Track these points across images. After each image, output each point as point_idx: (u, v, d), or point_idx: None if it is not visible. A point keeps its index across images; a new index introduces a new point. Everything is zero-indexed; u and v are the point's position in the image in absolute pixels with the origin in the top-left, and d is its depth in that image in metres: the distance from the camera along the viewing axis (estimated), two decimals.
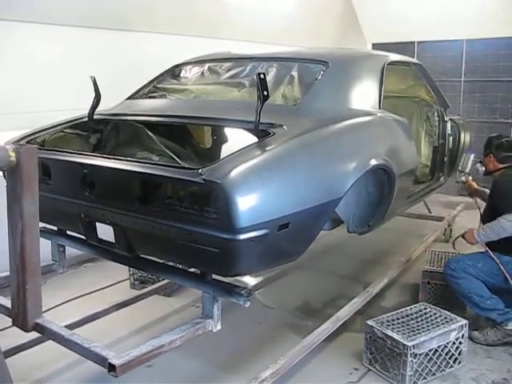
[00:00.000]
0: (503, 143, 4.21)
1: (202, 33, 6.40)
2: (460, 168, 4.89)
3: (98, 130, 3.80)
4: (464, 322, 3.59)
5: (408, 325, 3.55)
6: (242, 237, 2.44)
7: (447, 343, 3.48)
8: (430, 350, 3.40)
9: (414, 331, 3.45)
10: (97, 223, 3.06)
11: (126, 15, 5.59)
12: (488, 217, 4.11)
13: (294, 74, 3.63)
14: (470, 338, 3.85)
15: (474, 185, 4.83)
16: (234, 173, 2.47)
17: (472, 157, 4.87)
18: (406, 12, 8.51)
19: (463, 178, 4.86)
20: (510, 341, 3.89)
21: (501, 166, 4.18)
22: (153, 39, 5.96)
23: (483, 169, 4.36)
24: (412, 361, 3.31)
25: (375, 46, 8.89)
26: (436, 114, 5.38)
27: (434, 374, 3.45)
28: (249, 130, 3.00)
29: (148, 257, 3.15)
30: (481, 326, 4.00)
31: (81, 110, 3.77)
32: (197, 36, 6.33)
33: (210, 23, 6.54)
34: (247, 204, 2.44)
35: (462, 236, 4.15)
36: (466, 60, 8.14)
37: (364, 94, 3.76)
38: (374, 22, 8.97)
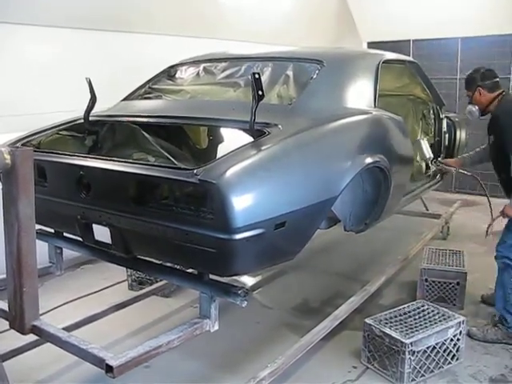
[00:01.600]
0: (485, 73, 4.05)
1: (200, 33, 6.41)
2: (426, 156, 4.84)
3: (93, 131, 3.80)
4: (462, 318, 3.60)
5: (406, 322, 3.56)
6: (238, 236, 2.44)
7: (445, 340, 3.49)
8: (427, 347, 3.41)
9: (411, 329, 3.46)
10: (93, 225, 3.06)
11: (125, 17, 5.59)
12: (495, 157, 4.04)
13: (289, 73, 3.62)
14: (468, 335, 3.86)
15: (448, 161, 4.80)
16: (230, 173, 2.47)
17: (424, 140, 4.89)
18: (401, 10, 8.52)
19: (435, 165, 4.78)
20: (508, 342, 3.89)
21: (492, 95, 4.00)
22: (151, 40, 5.96)
23: (476, 108, 4.10)
24: (410, 358, 3.32)
25: (371, 45, 8.89)
26: (431, 111, 5.39)
27: (432, 371, 3.46)
28: (244, 130, 3.00)
29: (145, 258, 3.15)
30: (479, 323, 4.01)
31: (79, 111, 3.78)
32: (194, 37, 6.33)
33: (207, 24, 6.55)
34: (243, 204, 2.44)
35: (502, 214, 3.92)
36: (461, 58, 8.16)
37: (359, 93, 3.75)
38: (369, 21, 8.97)
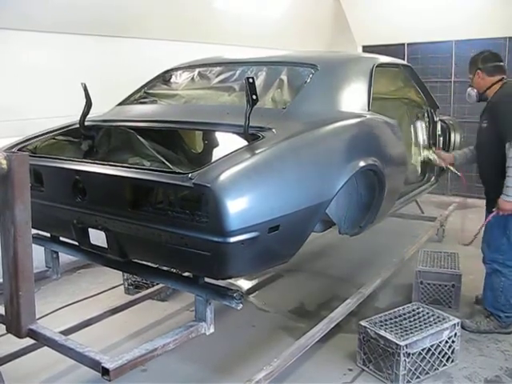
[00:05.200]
0: (487, 55, 4.02)
1: (195, 38, 6.42)
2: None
3: (89, 136, 3.82)
4: (456, 320, 3.62)
5: (401, 324, 3.58)
6: (233, 240, 2.46)
7: (440, 342, 3.51)
8: (422, 349, 3.42)
9: (406, 331, 3.47)
10: (89, 229, 3.08)
11: (120, 22, 5.61)
12: (486, 143, 3.99)
13: (284, 77, 3.65)
14: (462, 327, 3.89)
15: (442, 154, 4.81)
16: (224, 176, 2.49)
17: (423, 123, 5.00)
18: (395, 14, 8.54)
19: (431, 157, 4.82)
20: (501, 331, 4.03)
21: (493, 79, 3.95)
22: (146, 45, 5.97)
23: (475, 91, 4.05)
24: (405, 360, 3.33)
25: (366, 49, 8.92)
26: (426, 114, 5.41)
27: (427, 372, 3.47)
28: (238, 134, 3.02)
29: (141, 261, 3.17)
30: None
31: (73, 117, 3.80)
32: (189, 41, 6.35)
33: (202, 29, 6.56)
34: (237, 207, 2.46)
35: (497, 213, 3.84)
36: (455, 61, 8.19)
37: (353, 97, 3.78)
38: (364, 25, 9.01)
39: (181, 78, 4.23)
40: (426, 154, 4.70)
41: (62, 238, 3.59)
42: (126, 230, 2.85)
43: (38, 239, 3.51)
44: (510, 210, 3.74)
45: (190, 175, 2.52)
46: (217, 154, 4.25)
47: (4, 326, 2.78)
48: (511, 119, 3.73)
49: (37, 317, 2.77)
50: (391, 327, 3.53)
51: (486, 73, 3.96)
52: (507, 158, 3.65)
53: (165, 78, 4.30)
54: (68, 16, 5.11)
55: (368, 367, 3.56)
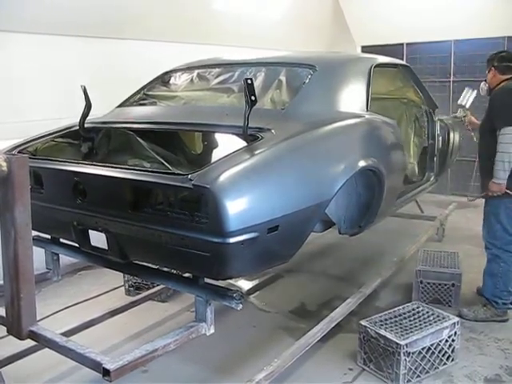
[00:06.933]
0: (504, 55, 4.27)
1: (194, 39, 6.43)
2: (460, 102, 5.18)
3: (89, 138, 3.82)
4: (456, 319, 3.63)
5: (401, 324, 3.58)
6: (232, 240, 2.47)
7: (440, 341, 3.51)
8: (422, 349, 3.43)
9: (406, 330, 3.48)
10: (90, 230, 3.08)
11: (121, 23, 5.62)
12: (483, 133, 4.28)
13: (282, 78, 3.66)
14: (460, 316, 4.00)
15: (474, 119, 5.07)
16: (223, 177, 2.50)
17: (475, 93, 5.13)
18: (394, 15, 8.57)
19: (463, 114, 5.14)
20: (496, 319, 4.18)
21: (503, 77, 4.18)
22: (144, 47, 5.97)
23: (487, 86, 4.36)
24: (405, 359, 3.34)
25: (365, 49, 8.93)
26: (425, 114, 5.42)
27: (427, 371, 3.48)
28: (238, 135, 3.03)
29: (141, 262, 3.17)
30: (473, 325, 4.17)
31: (69, 119, 3.81)
32: (190, 43, 6.35)
33: (201, 30, 6.57)
34: (236, 208, 2.47)
35: (486, 194, 4.14)
36: (454, 60, 8.20)
37: (352, 97, 3.79)
38: (362, 26, 9.02)
39: (180, 80, 4.24)
40: (466, 113, 5.16)
41: (62, 240, 3.59)
42: (127, 231, 2.86)
43: (38, 241, 3.52)
44: (496, 191, 3.99)
45: (189, 176, 2.53)
46: (216, 154, 4.26)
47: (5, 328, 2.79)
48: (502, 109, 3.97)
49: (38, 318, 2.77)
50: (391, 326, 3.54)
51: (499, 71, 4.22)
52: (497, 144, 3.91)
53: (164, 79, 4.31)
54: (68, 17, 5.11)
55: (368, 366, 3.57)
